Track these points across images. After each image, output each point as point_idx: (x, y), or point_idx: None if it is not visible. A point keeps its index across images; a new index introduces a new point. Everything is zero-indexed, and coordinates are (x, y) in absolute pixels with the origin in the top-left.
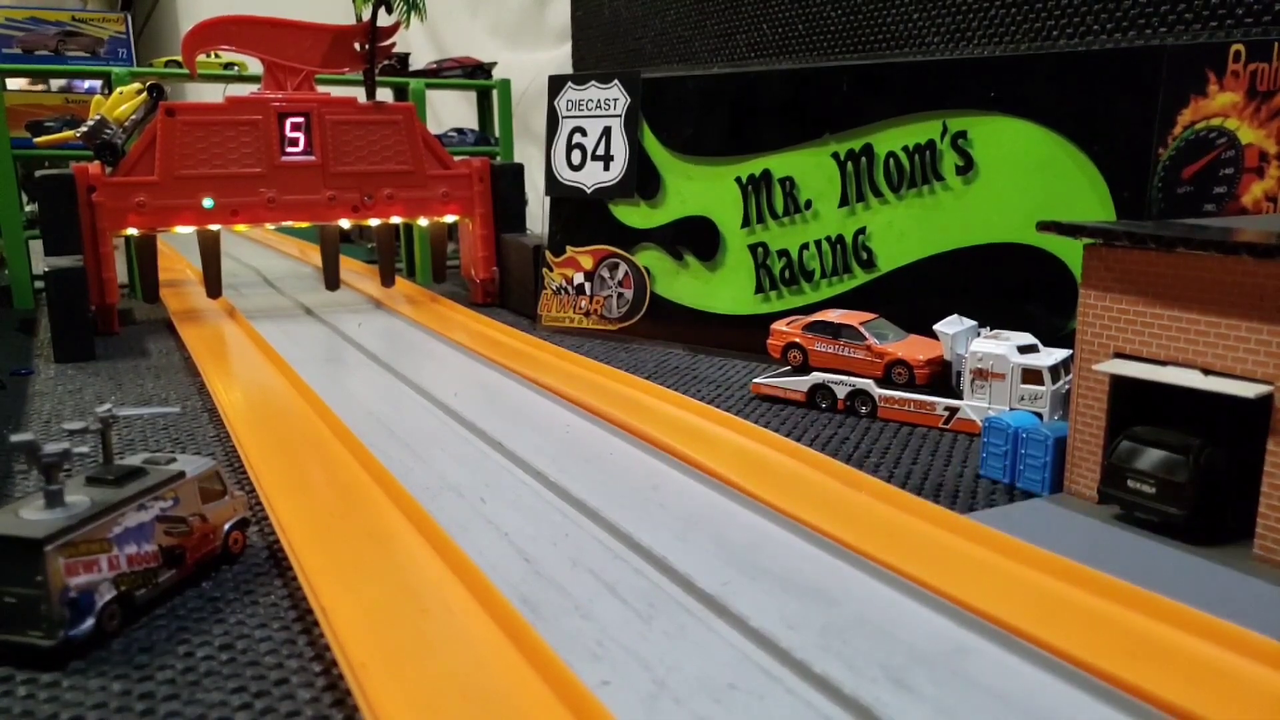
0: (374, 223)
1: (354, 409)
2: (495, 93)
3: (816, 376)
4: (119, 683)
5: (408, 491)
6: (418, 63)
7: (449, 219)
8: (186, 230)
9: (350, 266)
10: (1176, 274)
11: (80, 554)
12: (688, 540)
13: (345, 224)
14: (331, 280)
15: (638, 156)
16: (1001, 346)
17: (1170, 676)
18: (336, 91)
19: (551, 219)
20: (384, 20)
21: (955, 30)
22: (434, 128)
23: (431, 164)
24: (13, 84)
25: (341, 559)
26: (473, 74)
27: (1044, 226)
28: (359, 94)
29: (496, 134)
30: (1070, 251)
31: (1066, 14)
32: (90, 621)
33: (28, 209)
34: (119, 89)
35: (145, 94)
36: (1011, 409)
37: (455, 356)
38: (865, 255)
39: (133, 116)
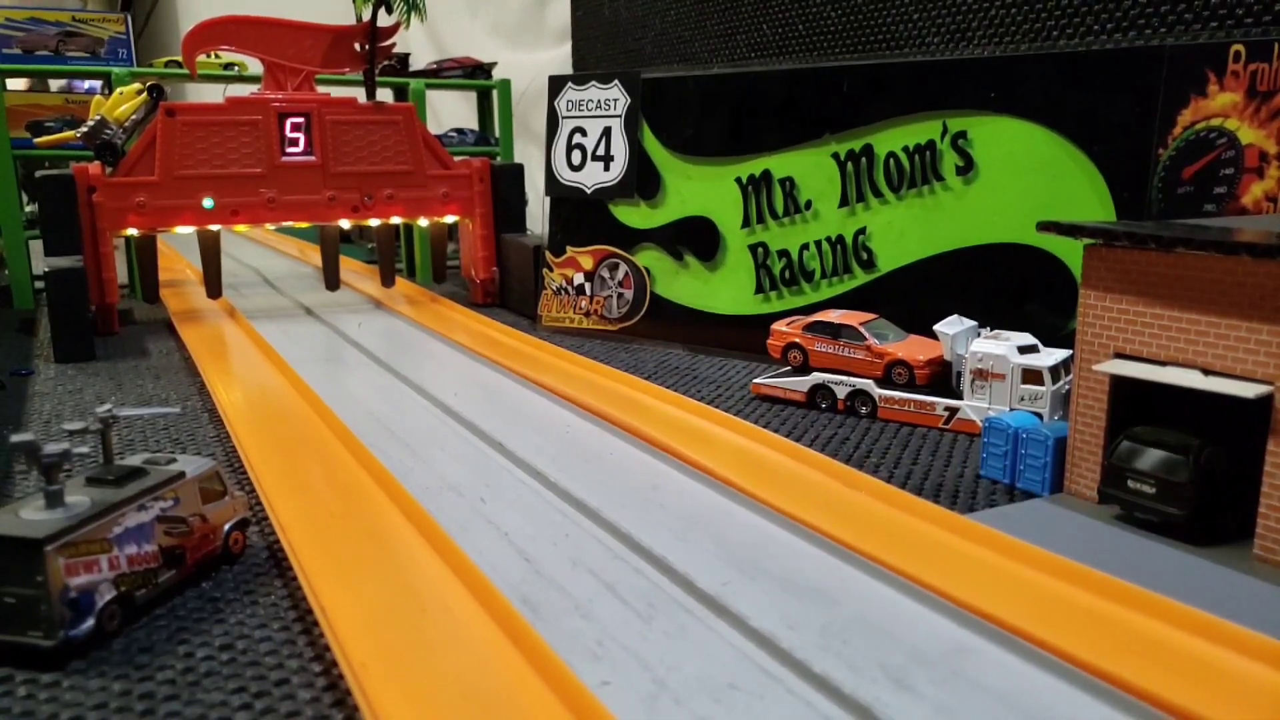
0: (374, 223)
1: (354, 409)
2: (495, 93)
3: (816, 377)
4: (119, 683)
5: (408, 491)
6: (418, 63)
7: (449, 219)
8: (186, 230)
9: (350, 266)
10: (1176, 274)
11: (80, 554)
12: (688, 540)
13: (345, 224)
14: (331, 280)
15: (638, 156)
16: (1001, 346)
17: (1171, 676)
18: (336, 91)
19: (551, 219)
20: (384, 20)
21: (955, 30)
22: (434, 128)
23: (431, 164)
24: (12, 84)
25: (341, 559)
26: (473, 74)
27: (1044, 226)
28: (359, 94)
29: (496, 134)
30: (1070, 251)
31: (1066, 14)
32: (90, 621)
33: (28, 209)
34: (119, 89)
35: (145, 94)
36: (1011, 409)
37: (455, 356)
38: (865, 255)
39: (133, 116)
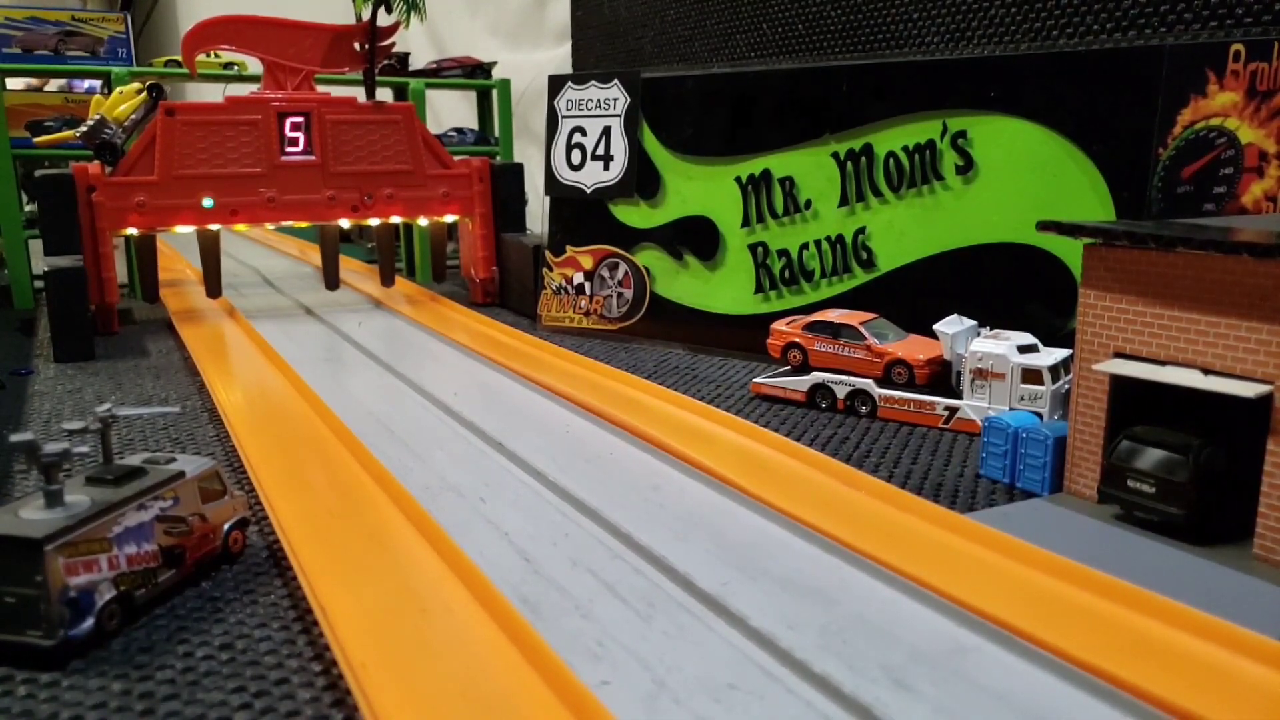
0: (374, 222)
1: (354, 409)
2: (495, 93)
3: (816, 376)
4: (119, 683)
5: (408, 491)
6: (418, 62)
7: (449, 219)
8: (186, 230)
9: (350, 266)
10: (1176, 274)
11: (80, 554)
12: (688, 540)
13: (345, 224)
14: (331, 280)
15: (638, 156)
16: (1001, 346)
17: (1170, 676)
18: (336, 91)
19: (551, 219)
20: (384, 20)
21: (955, 30)
22: (434, 128)
23: (431, 164)
24: (12, 84)
25: (341, 559)
26: (473, 74)
27: (1044, 226)
28: (359, 94)
29: (496, 134)
30: (1070, 251)
31: (1066, 14)
32: (90, 621)
33: (28, 209)
34: (119, 89)
35: (145, 94)
36: (1011, 409)
37: (455, 356)
38: (865, 255)
39: (132, 116)
